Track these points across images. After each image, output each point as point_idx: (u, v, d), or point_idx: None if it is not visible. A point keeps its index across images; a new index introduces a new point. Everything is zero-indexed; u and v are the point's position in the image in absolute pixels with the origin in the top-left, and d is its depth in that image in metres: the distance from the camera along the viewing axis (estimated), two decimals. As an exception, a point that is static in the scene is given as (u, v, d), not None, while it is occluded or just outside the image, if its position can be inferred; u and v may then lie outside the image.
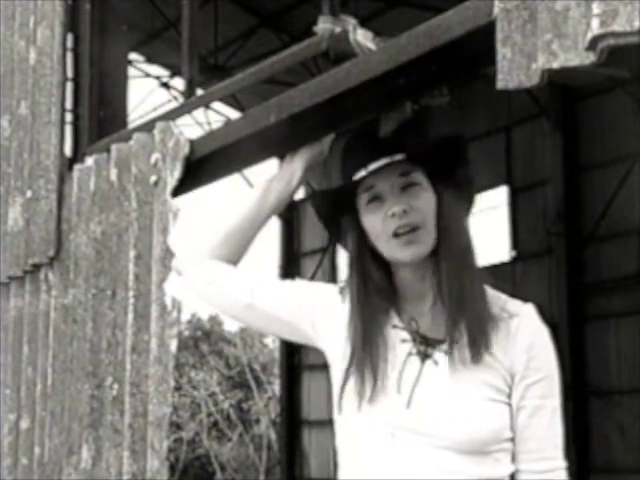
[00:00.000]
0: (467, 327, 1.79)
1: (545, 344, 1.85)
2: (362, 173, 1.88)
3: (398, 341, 1.87)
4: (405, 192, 1.86)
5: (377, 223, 1.86)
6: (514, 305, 1.87)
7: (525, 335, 1.82)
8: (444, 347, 1.82)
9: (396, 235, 1.83)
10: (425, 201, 1.86)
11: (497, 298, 1.87)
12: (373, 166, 1.86)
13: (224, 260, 2.16)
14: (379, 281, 1.89)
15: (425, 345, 1.84)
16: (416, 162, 1.88)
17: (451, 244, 1.84)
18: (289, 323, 2.05)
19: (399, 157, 1.86)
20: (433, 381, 1.81)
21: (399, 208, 1.83)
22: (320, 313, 2.02)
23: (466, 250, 1.86)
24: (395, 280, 1.91)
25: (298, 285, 2.10)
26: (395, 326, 1.88)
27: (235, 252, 2.18)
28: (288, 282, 2.12)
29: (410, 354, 1.85)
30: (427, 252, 1.84)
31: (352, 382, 1.86)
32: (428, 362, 1.83)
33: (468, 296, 1.81)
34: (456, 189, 1.91)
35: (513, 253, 10.61)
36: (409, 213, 1.83)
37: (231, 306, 2.11)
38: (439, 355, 1.82)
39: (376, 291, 1.89)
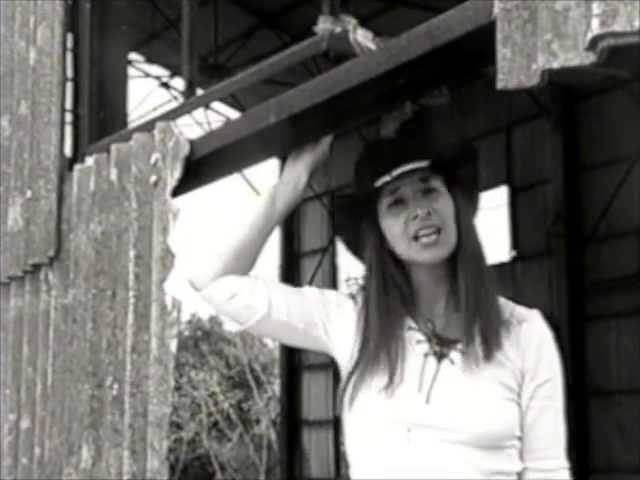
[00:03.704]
0: (480, 327, 1.87)
1: (552, 347, 1.94)
2: (386, 178, 1.93)
3: (414, 342, 1.92)
4: (426, 196, 1.92)
5: (398, 226, 1.92)
6: (522, 310, 1.96)
7: (535, 337, 1.91)
8: (459, 346, 1.89)
9: (416, 238, 1.89)
10: (445, 205, 1.93)
11: (506, 304, 1.95)
12: (397, 171, 1.92)
13: (239, 273, 2.14)
14: (401, 283, 1.95)
15: (440, 345, 1.91)
16: (434, 168, 1.94)
17: (468, 248, 1.92)
18: (303, 330, 2.07)
19: (423, 164, 1.93)
20: (450, 379, 1.87)
21: (423, 211, 1.89)
22: (332, 320, 2.05)
23: (480, 254, 1.95)
24: (411, 283, 1.97)
25: (309, 292, 2.11)
26: (410, 328, 1.94)
27: (248, 262, 2.17)
28: (299, 289, 2.13)
29: (427, 355, 1.90)
30: (446, 255, 1.91)
31: (366, 374, 1.90)
32: (445, 361, 1.89)
33: (484, 299, 1.89)
34: (465, 192, 1.98)
35: (513, 253, 10.58)
36: (432, 216, 1.89)
37: (249, 317, 2.10)
38: (455, 354, 1.89)
39: (396, 293, 1.95)
